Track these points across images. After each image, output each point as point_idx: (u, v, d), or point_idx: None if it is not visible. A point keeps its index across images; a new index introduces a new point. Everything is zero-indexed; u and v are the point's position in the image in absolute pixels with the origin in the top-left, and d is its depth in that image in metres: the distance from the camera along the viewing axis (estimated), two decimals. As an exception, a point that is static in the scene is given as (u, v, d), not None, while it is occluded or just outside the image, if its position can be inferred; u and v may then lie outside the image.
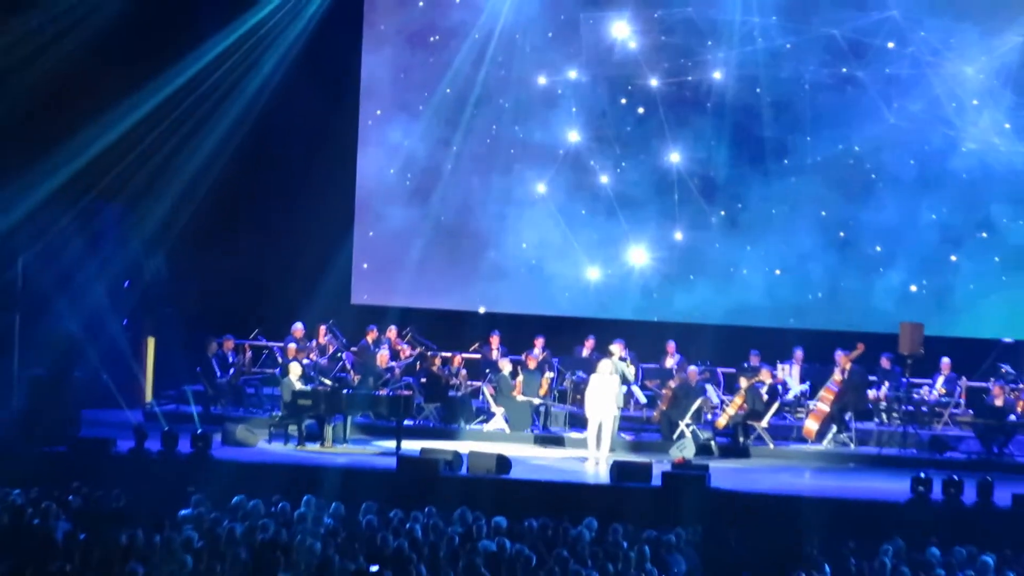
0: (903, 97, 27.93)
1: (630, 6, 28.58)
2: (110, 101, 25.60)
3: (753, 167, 28.42)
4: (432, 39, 29.12)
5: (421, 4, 29.15)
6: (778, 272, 28.42)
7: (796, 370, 26.31)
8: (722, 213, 28.61)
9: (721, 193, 28.61)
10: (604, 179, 28.90)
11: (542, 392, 25.89)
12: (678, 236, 28.72)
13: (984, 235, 27.80)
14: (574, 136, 28.99)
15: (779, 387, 25.84)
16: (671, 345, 26.65)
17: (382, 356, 26.58)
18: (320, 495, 20.38)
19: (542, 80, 29.00)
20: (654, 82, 28.67)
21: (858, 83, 28.10)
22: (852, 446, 25.32)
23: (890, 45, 27.87)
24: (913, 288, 28.11)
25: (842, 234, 28.27)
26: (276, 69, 27.28)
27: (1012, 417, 25.15)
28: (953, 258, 27.90)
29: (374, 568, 17.50)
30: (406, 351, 27.08)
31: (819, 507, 21.55)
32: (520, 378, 26.04)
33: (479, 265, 29.06)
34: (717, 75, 28.54)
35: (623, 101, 28.84)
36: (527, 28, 28.72)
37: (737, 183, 28.52)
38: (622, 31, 28.68)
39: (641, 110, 28.78)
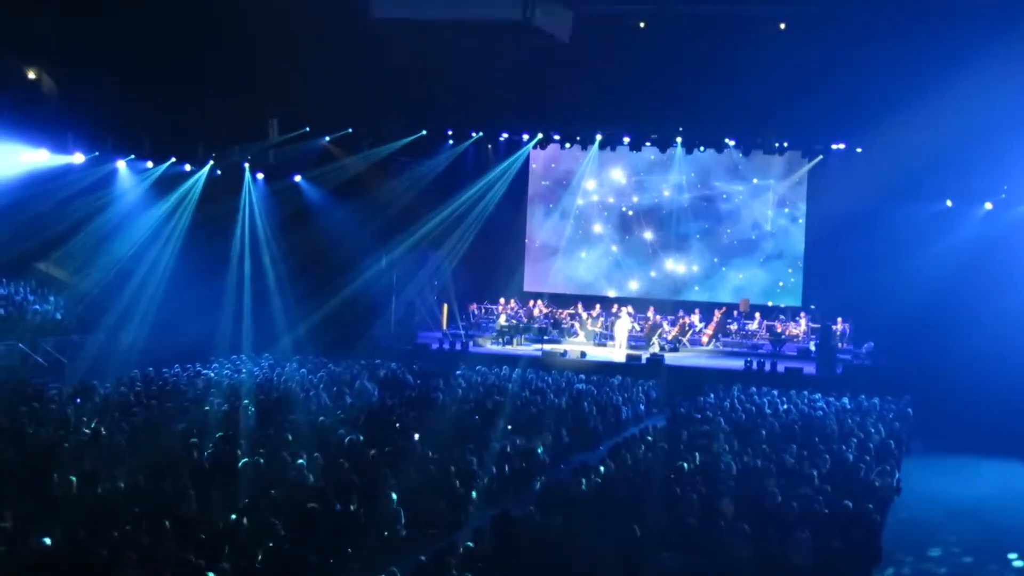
0: (751, 203, 27.51)
1: (621, 164, 27.77)
2: (430, 210, 25.92)
3: (682, 237, 27.79)
4: (544, 184, 28.72)
5: (535, 167, 28.46)
6: (696, 288, 27.71)
7: (696, 317, 25.91)
8: (672, 260, 27.90)
9: (672, 250, 27.90)
10: (614, 247, 28.26)
11: (599, 326, 25.76)
12: (653, 273, 28.06)
13: (790, 271, 27.05)
14: (599, 228, 28.43)
15: (692, 324, 25.68)
16: (651, 309, 26.09)
17: (535, 312, 26.72)
18: (512, 366, 20.90)
19: (580, 202, 28.35)
20: (636, 199, 28.06)
21: (731, 201, 27.50)
22: (720, 347, 25.10)
23: (740, 187, 27.39)
24: (754, 286, 27.44)
25: (723, 268, 27.57)
26: (493, 191, 26.88)
27: (784, 336, 24.85)
28: (780, 283, 27.19)
29: (530, 395, 17.99)
30: (545, 310, 27.04)
31: (709, 372, 21.76)
32: (589, 320, 25.98)
33: (572, 277, 28.63)
34: (667, 194, 27.81)
35: (623, 208, 28.21)
36: (581, 176, 28.02)
37: (679, 245, 27.82)
38: (619, 176, 28.13)
39: (631, 213, 28.13)
